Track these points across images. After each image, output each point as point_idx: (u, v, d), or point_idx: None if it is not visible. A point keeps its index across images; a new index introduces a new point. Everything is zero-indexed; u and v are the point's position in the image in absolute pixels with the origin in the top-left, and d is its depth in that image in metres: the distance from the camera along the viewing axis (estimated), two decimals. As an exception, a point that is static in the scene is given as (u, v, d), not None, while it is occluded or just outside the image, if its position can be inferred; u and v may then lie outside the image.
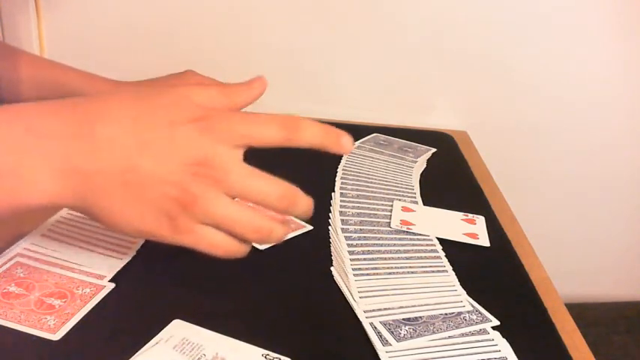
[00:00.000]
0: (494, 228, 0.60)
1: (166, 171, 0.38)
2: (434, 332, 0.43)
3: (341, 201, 0.61)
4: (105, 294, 0.43)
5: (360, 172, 0.69)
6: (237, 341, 0.39)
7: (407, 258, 0.52)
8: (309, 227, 0.56)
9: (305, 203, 0.40)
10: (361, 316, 0.44)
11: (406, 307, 0.45)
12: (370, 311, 0.44)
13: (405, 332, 0.42)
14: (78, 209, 0.38)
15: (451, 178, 0.74)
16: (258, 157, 0.80)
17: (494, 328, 0.44)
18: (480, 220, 0.61)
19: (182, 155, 0.38)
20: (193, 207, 0.37)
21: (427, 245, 0.55)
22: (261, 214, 0.39)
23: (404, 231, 0.57)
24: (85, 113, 0.39)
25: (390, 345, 0.41)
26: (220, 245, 0.38)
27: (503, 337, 0.43)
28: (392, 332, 0.42)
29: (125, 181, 0.37)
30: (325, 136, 0.41)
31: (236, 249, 0.39)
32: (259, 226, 0.39)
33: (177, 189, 0.37)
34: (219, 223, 0.38)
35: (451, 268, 0.51)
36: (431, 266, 0.51)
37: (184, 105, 0.40)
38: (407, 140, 0.83)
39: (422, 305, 0.46)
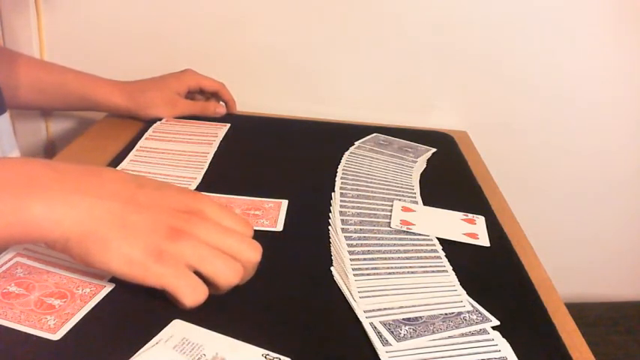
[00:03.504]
0: (495, 228, 0.60)
1: (160, 206, 0.42)
2: (434, 332, 0.43)
3: (341, 201, 0.61)
4: (105, 294, 0.43)
5: (360, 172, 0.69)
6: (237, 341, 0.39)
7: (407, 258, 0.52)
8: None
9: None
10: (361, 316, 0.44)
11: (406, 307, 0.45)
12: (370, 311, 0.44)
13: (405, 332, 0.42)
14: (70, 242, 0.40)
15: (451, 178, 0.74)
16: (260, 158, 0.80)
17: (494, 328, 0.44)
18: (480, 220, 0.61)
19: (171, 201, 0.43)
20: (181, 239, 0.41)
21: (427, 245, 0.55)
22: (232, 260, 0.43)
23: (404, 231, 0.57)
24: (93, 167, 0.44)
25: (390, 345, 0.41)
26: (195, 290, 0.41)
27: (503, 337, 0.43)
28: (392, 332, 0.42)
29: (124, 212, 0.41)
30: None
31: (202, 297, 0.41)
32: (235, 268, 0.43)
33: (168, 221, 0.42)
34: (201, 259, 0.41)
35: (451, 268, 0.51)
36: (431, 266, 0.51)
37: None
38: (407, 140, 0.83)
39: (422, 305, 0.46)
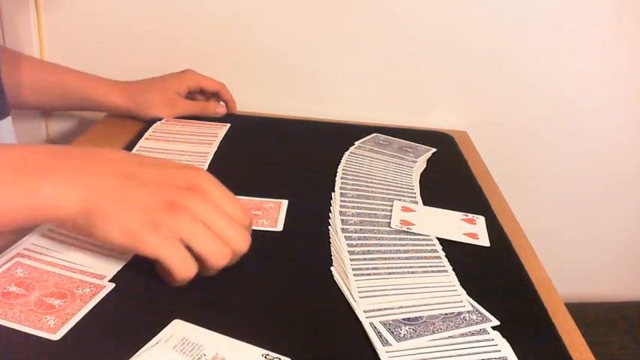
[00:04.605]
0: (495, 228, 0.60)
1: (160, 183, 0.44)
2: (434, 332, 0.43)
3: (341, 201, 0.61)
4: (105, 294, 0.43)
5: (360, 172, 0.69)
6: (237, 341, 0.39)
7: (407, 258, 0.52)
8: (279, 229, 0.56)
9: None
10: (361, 316, 0.44)
11: (406, 307, 0.45)
12: (370, 311, 0.44)
13: (405, 332, 0.42)
14: (77, 217, 0.42)
15: (451, 178, 0.74)
16: (260, 158, 0.80)
17: (494, 328, 0.44)
18: (480, 220, 0.61)
19: (172, 179, 0.45)
20: (177, 213, 0.42)
21: (427, 245, 0.55)
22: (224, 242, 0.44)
23: (404, 231, 0.57)
24: (96, 149, 0.46)
25: (390, 345, 0.41)
26: (186, 264, 0.42)
27: (503, 337, 0.43)
28: (392, 332, 0.42)
29: (124, 188, 0.43)
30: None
31: (191, 272, 0.43)
32: (224, 252, 0.43)
33: (167, 197, 0.43)
34: (195, 236, 0.42)
35: (451, 268, 0.51)
36: (431, 266, 0.51)
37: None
38: (407, 140, 0.83)
39: (422, 305, 0.46)
